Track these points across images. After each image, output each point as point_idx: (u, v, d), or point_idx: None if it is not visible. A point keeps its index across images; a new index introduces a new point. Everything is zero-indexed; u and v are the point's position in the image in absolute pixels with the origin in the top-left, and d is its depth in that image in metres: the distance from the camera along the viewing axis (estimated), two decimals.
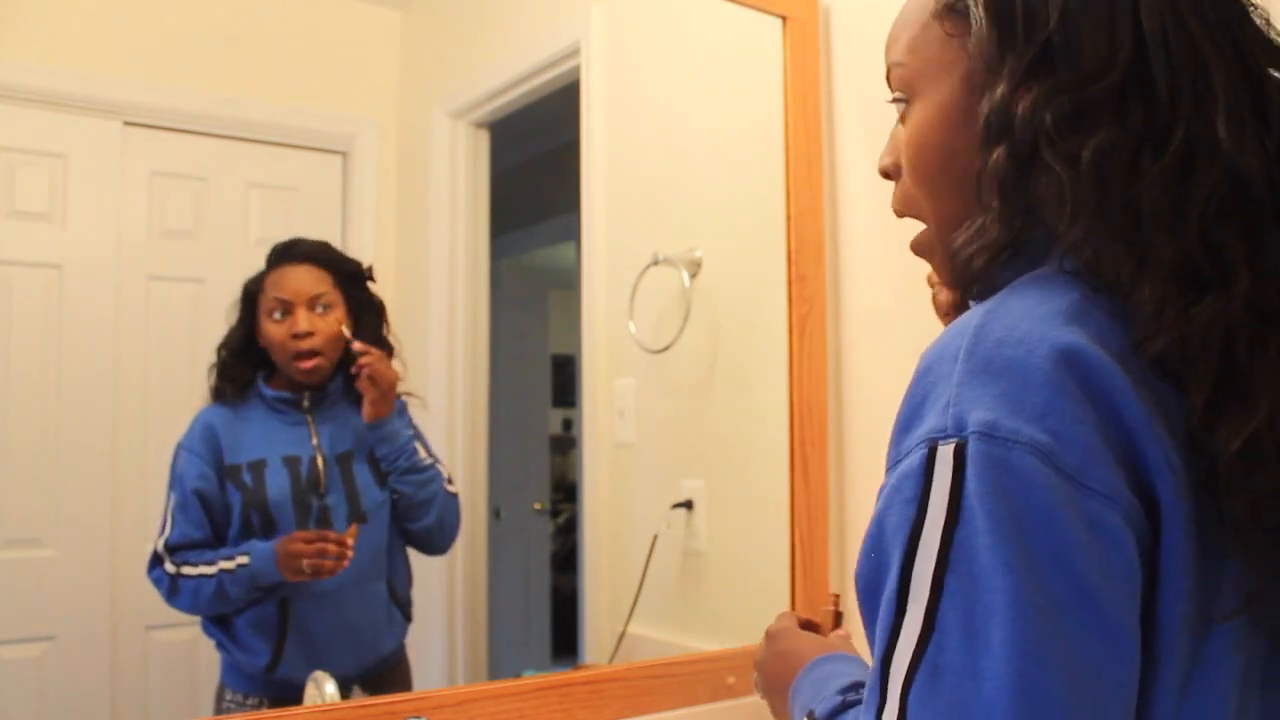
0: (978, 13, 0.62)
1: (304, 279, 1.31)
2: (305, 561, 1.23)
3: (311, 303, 1.30)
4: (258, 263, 1.30)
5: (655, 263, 1.61)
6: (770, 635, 0.89)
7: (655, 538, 1.57)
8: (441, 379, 1.53)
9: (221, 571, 1.21)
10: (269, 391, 1.29)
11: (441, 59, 1.61)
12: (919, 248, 0.73)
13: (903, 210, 0.72)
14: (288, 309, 1.29)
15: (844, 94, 1.60)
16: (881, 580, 0.54)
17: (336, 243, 1.39)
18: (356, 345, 1.31)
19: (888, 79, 0.70)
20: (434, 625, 1.50)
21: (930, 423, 0.53)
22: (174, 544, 1.21)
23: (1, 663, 1.14)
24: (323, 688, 1.16)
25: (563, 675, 1.32)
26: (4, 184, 1.17)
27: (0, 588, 1.15)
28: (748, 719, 1.41)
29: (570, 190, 1.63)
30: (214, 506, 1.24)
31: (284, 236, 1.32)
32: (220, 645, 1.25)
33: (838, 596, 0.99)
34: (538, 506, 1.85)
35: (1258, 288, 0.54)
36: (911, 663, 0.51)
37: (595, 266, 1.63)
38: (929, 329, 1.54)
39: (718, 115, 1.67)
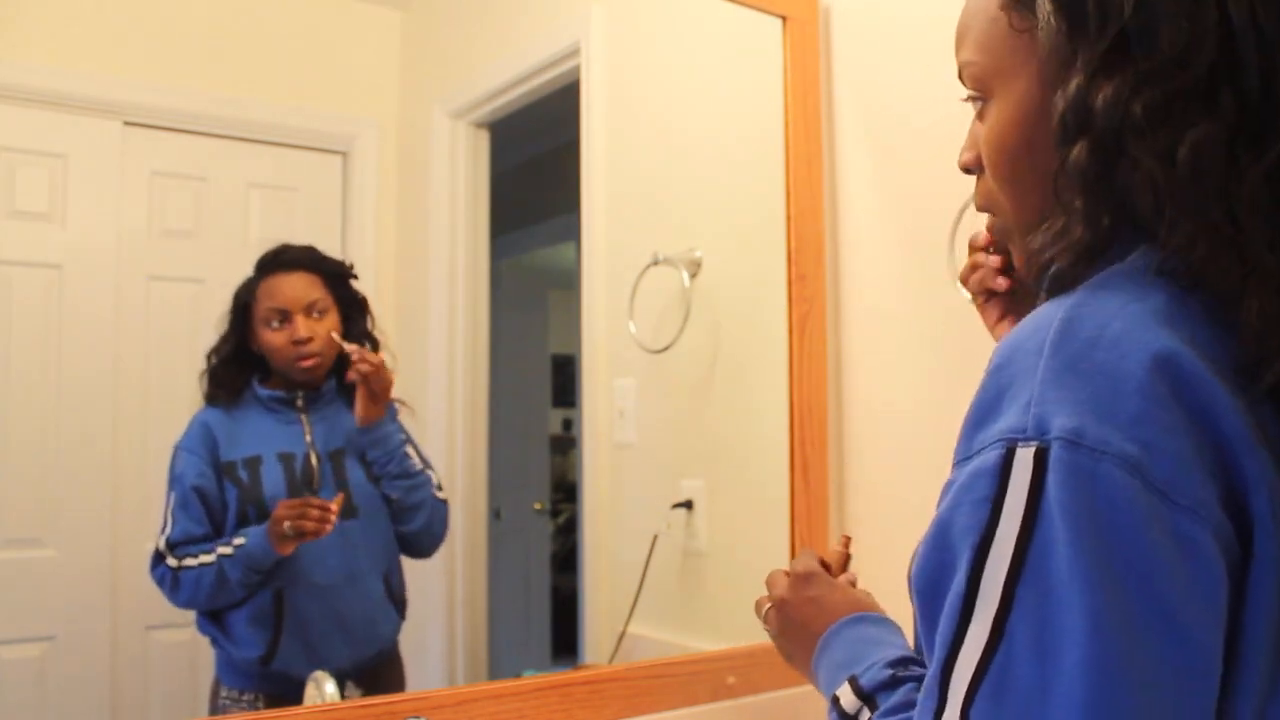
0: (1045, 3, 0.59)
1: (298, 286, 1.32)
2: (286, 523, 1.23)
3: (308, 309, 1.31)
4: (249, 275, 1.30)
5: (655, 263, 1.61)
6: (800, 577, 0.86)
7: (655, 538, 1.57)
8: (441, 379, 1.53)
9: (220, 557, 1.22)
10: (264, 391, 1.30)
11: (441, 59, 1.61)
12: (997, 233, 0.72)
13: (984, 206, 0.70)
14: (285, 317, 1.30)
15: (844, 94, 1.60)
16: (945, 581, 0.52)
17: (336, 243, 1.40)
18: (351, 349, 1.32)
19: (960, 77, 0.68)
20: (434, 625, 1.50)
21: (1008, 420, 0.51)
22: (175, 540, 1.22)
23: (1, 663, 1.14)
24: (323, 687, 1.16)
25: (563, 675, 1.32)
26: (4, 184, 1.17)
27: (0, 588, 1.15)
28: (748, 719, 1.41)
29: (570, 190, 1.63)
30: (213, 503, 1.25)
31: (284, 236, 1.32)
32: (215, 641, 1.25)
33: (848, 539, 0.98)
34: (538, 506, 1.85)
35: None
36: (976, 674, 0.49)
37: (595, 266, 1.63)
38: (929, 329, 1.54)
39: (718, 115, 1.67)
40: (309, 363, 1.31)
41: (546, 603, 1.84)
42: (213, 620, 1.26)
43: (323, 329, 1.32)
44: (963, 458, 0.53)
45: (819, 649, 0.78)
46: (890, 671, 0.69)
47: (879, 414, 1.53)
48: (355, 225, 1.42)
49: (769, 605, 0.89)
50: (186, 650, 1.25)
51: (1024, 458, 0.49)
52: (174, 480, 1.23)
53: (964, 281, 0.85)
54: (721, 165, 1.66)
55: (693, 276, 1.60)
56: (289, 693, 1.20)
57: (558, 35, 1.62)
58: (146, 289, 1.26)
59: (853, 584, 0.90)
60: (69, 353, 1.20)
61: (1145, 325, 0.50)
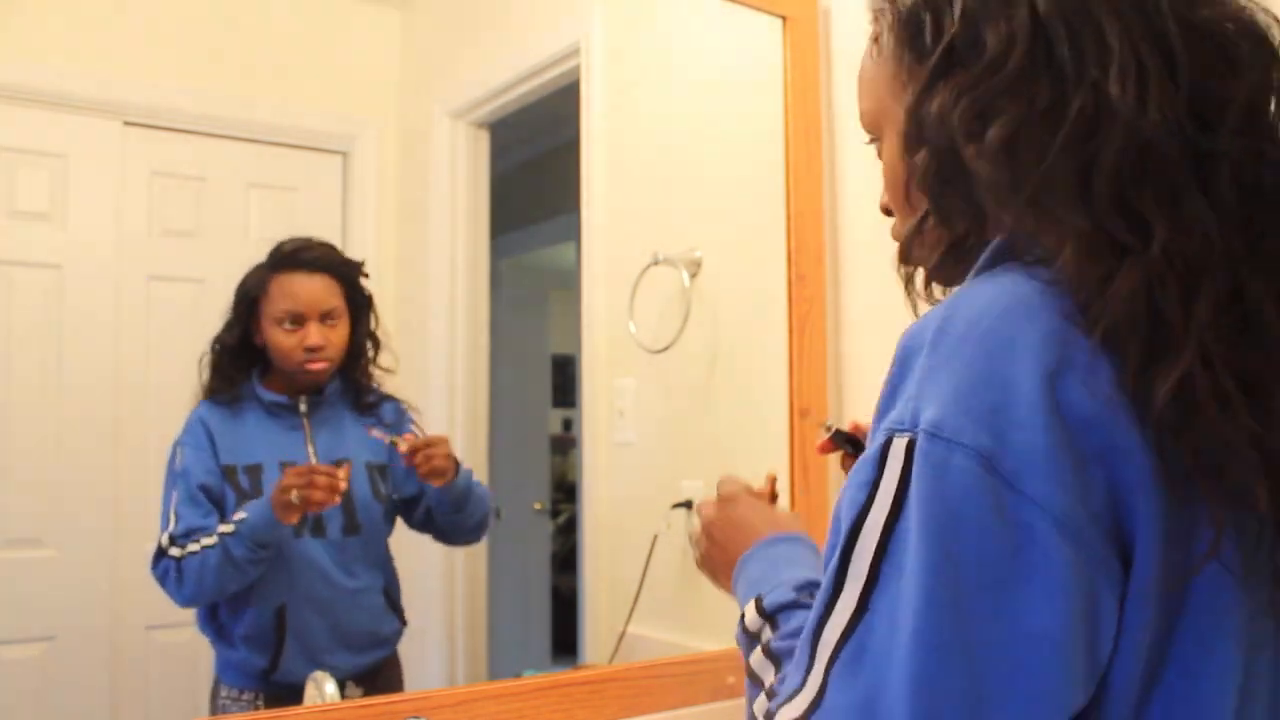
0: (887, 36, 0.66)
1: (317, 291, 1.29)
2: (295, 491, 1.20)
3: (324, 316, 1.29)
4: (258, 262, 1.29)
5: (655, 263, 1.61)
6: (724, 498, 0.88)
7: (655, 538, 1.57)
8: (441, 379, 1.53)
9: (223, 535, 1.20)
10: (266, 394, 1.28)
11: (441, 59, 1.61)
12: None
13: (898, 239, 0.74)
14: (299, 321, 1.27)
15: (844, 94, 1.60)
16: (828, 560, 0.56)
17: (336, 243, 1.39)
18: (407, 441, 1.32)
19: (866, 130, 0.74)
20: (434, 625, 1.50)
21: (895, 413, 0.54)
22: (178, 535, 1.19)
23: (1, 663, 1.14)
24: (323, 688, 1.16)
25: (563, 675, 1.32)
26: (4, 184, 1.17)
27: (0, 588, 1.15)
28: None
29: (570, 190, 1.63)
30: (216, 502, 1.23)
31: (284, 236, 1.31)
32: (215, 641, 1.25)
33: (774, 478, 0.99)
34: (538, 506, 1.86)
35: (1179, 240, 0.52)
36: (840, 639, 0.53)
37: (595, 266, 1.63)
38: None
39: (718, 115, 1.67)
40: (317, 366, 1.29)
41: (546, 603, 1.84)
42: (214, 623, 1.25)
43: (335, 337, 1.30)
44: (869, 445, 0.57)
45: (738, 569, 0.80)
46: (794, 595, 0.71)
47: None
48: (355, 225, 1.42)
49: (698, 533, 0.90)
50: (186, 650, 1.25)
51: (898, 448, 0.53)
52: (178, 476, 1.21)
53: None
54: (721, 165, 1.66)
55: (693, 276, 1.60)
56: (290, 695, 1.19)
57: (558, 35, 1.62)
58: (146, 289, 1.26)
59: None
60: (69, 353, 1.20)
61: (1013, 321, 0.53)
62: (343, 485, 1.23)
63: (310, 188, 1.40)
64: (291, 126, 1.39)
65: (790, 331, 1.54)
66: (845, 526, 0.55)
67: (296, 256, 1.29)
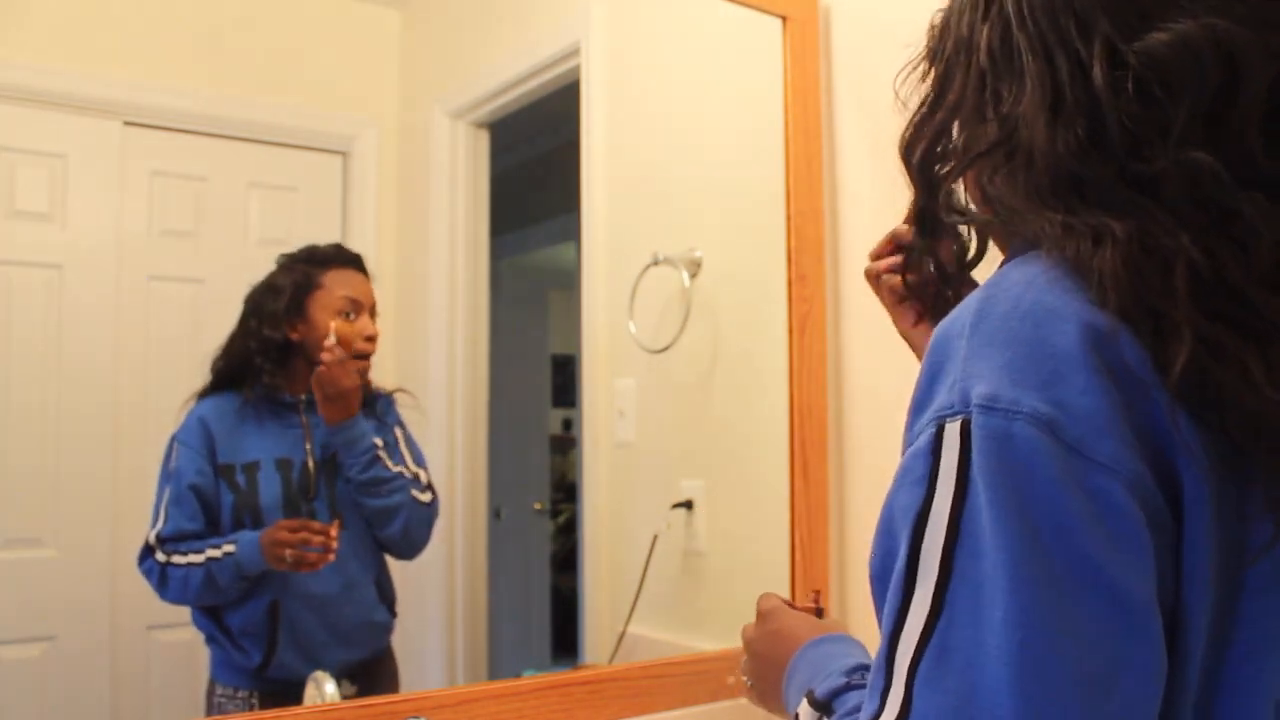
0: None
1: (367, 287, 1.34)
2: (289, 551, 1.23)
3: (372, 310, 1.33)
4: (258, 262, 1.30)
5: (655, 263, 1.61)
6: (763, 614, 0.87)
7: (655, 538, 1.57)
8: (441, 379, 1.53)
9: (209, 560, 1.21)
10: (270, 393, 1.29)
11: (441, 59, 1.61)
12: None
13: None
14: (358, 310, 1.31)
15: (844, 94, 1.60)
16: (889, 565, 0.53)
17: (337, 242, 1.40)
18: (328, 344, 1.29)
19: None
20: (434, 625, 1.50)
21: (939, 401, 0.52)
22: (165, 536, 1.21)
23: (1, 663, 1.14)
24: (323, 688, 1.16)
25: (563, 675, 1.32)
26: (4, 184, 1.17)
27: (0, 588, 1.15)
28: (748, 719, 1.41)
29: (570, 190, 1.63)
30: (209, 501, 1.24)
31: (284, 236, 1.32)
32: (210, 639, 1.25)
33: (819, 593, 0.99)
34: (538, 506, 1.85)
35: (1135, 226, 0.53)
36: (920, 642, 0.50)
37: (595, 266, 1.63)
38: (929, 328, 1.53)
39: (718, 115, 1.67)
40: (364, 364, 1.31)
41: (546, 603, 1.84)
42: (210, 621, 1.25)
43: (376, 330, 1.34)
44: (907, 445, 0.55)
45: (786, 679, 0.77)
46: (845, 679, 0.69)
47: (879, 414, 1.53)
48: (355, 225, 1.42)
49: (743, 658, 0.89)
50: (186, 650, 1.25)
51: (952, 432, 0.51)
52: (170, 475, 1.22)
53: (870, 279, 0.92)
54: (721, 165, 1.66)
55: (693, 276, 1.60)
56: (285, 692, 1.20)
57: (558, 35, 1.62)
58: (146, 289, 1.26)
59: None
60: (69, 353, 1.20)
61: (1055, 293, 0.52)
62: (335, 544, 1.26)
63: (310, 188, 1.40)
64: (291, 126, 1.39)
65: (790, 331, 1.54)
66: (906, 528, 0.52)
67: (344, 254, 1.34)
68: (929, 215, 0.69)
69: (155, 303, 1.26)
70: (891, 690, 0.50)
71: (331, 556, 1.25)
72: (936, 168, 0.65)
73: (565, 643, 1.79)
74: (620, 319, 1.63)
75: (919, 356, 0.87)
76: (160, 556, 1.20)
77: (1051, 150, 0.55)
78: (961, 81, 0.62)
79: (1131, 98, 0.54)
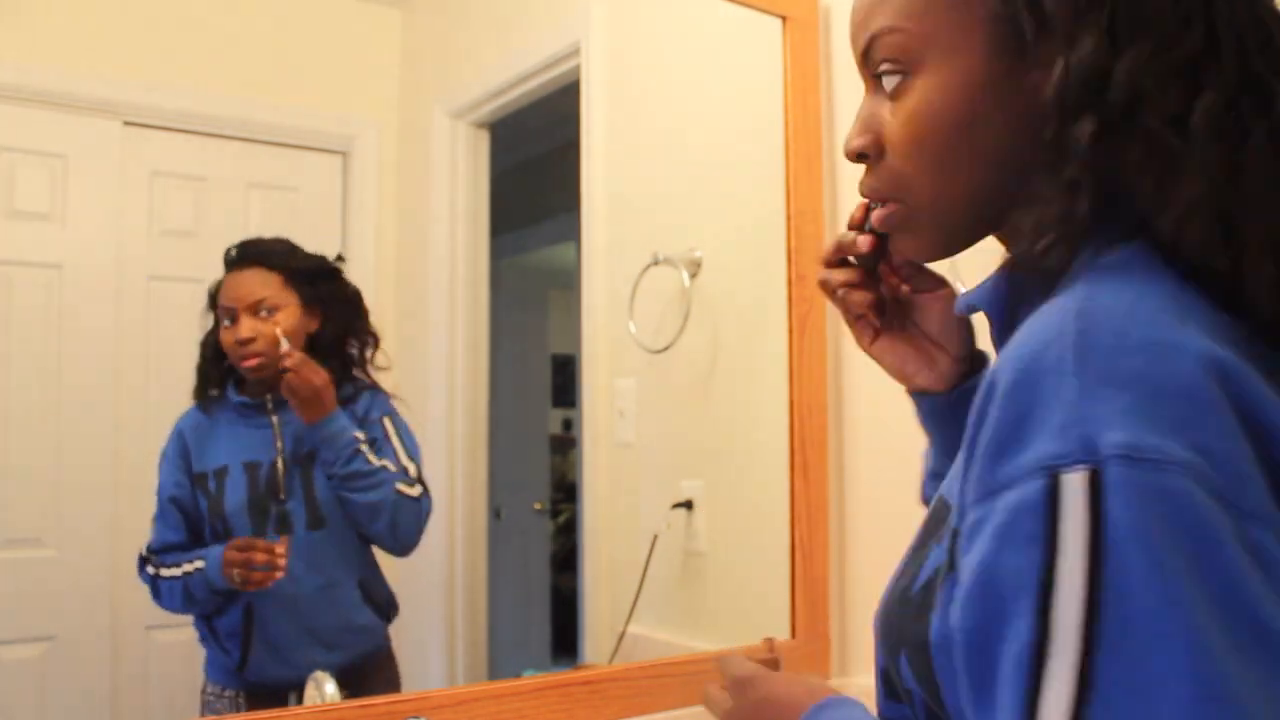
0: None
1: (246, 284, 1.29)
2: (236, 571, 1.23)
3: (254, 308, 1.28)
4: None
5: (655, 263, 1.61)
6: (739, 682, 0.78)
7: (655, 538, 1.57)
8: (441, 379, 1.53)
9: (185, 574, 1.23)
10: (235, 397, 1.29)
11: (441, 59, 1.61)
12: (893, 223, 0.65)
13: (884, 193, 0.65)
14: (233, 315, 1.28)
15: (844, 94, 1.60)
16: (998, 634, 0.46)
17: (336, 243, 1.39)
18: (284, 349, 1.27)
19: (868, 49, 0.63)
20: (434, 625, 1.50)
21: (1043, 447, 0.45)
22: (154, 548, 1.23)
23: (1, 663, 1.14)
24: (323, 688, 1.16)
25: (563, 675, 1.32)
26: (4, 184, 1.17)
27: (0, 588, 1.15)
28: None
29: (570, 190, 1.63)
30: (189, 512, 1.25)
31: (284, 236, 1.32)
32: (203, 639, 1.27)
33: (771, 641, 0.94)
34: (538, 506, 1.85)
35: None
36: None
37: (595, 266, 1.63)
38: None
39: (718, 115, 1.67)
40: (251, 363, 1.28)
41: (546, 603, 1.84)
42: (201, 622, 1.27)
43: (267, 330, 1.27)
44: (985, 494, 0.47)
45: None
46: None
47: (879, 414, 1.53)
48: (355, 225, 1.42)
49: None
50: (186, 650, 1.25)
51: (1074, 484, 0.44)
52: (156, 489, 1.24)
53: (829, 293, 0.80)
54: (721, 165, 1.66)
55: (693, 276, 1.60)
56: (262, 692, 1.23)
57: (558, 35, 1.62)
58: (146, 289, 1.26)
59: None
60: (69, 353, 1.20)
61: (1166, 323, 0.47)
62: (282, 562, 1.24)
63: (310, 188, 1.40)
64: (291, 126, 1.39)
65: (790, 331, 1.54)
66: (1027, 594, 0.45)
67: (228, 256, 1.29)
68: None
69: (155, 303, 1.26)
70: None
71: (278, 574, 1.24)
72: (1151, 101, 0.53)
73: (565, 643, 1.79)
74: (620, 319, 1.63)
75: (890, 374, 0.82)
76: (151, 569, 1.23)
77: (1246, 62, 0.50)
78: (1168, 5, 0.53)
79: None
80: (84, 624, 1.20)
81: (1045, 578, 0.44)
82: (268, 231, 1.32)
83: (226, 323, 1.28)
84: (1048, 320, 0.49)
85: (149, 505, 1.23)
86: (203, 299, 1.28)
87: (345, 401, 1.33)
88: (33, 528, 1.18)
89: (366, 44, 1.48)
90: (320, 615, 1.31)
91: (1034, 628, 0.44)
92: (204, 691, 1.26)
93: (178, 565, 1.23)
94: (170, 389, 1.26)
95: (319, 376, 1.28)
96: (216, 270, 1.30)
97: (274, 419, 1.29)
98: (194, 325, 1.28)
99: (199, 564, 1.23)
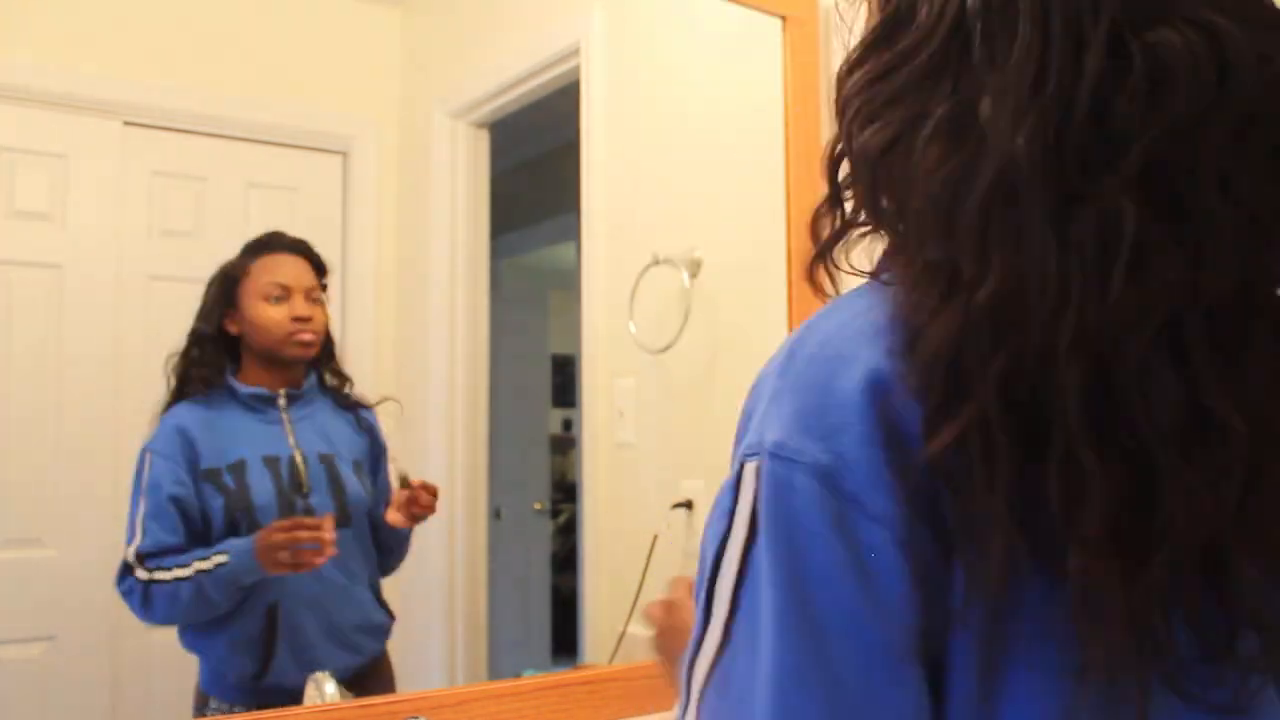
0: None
1: (301, 269, 1.31)
2: (284, 553, 1.20)
3: (308, 292, 1.30)
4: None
5: (655, 263, 1.61)
6: (668, 605, 0.84)
7: (655, 538, 1.57)
8: (441, 379, 1.53)
9: (199, 573, 1.18)
10: (243, 389, 1.26)
11: (441, 59, 1.61)
12: None
13: None
14: (286, 293, 1.28)
15: None
16: (697, 592, 0.55)
17: (337, 242, 1.39)
18: (415, 484, 1.33)
19: None
20: (434, 625, 1.50)
21: (748, 439, 0.53)
22: (145, 551, 1.17)
23: (1, 663, 1.14)
24: (323, 688, 1.16)
25: (563, 675, 1.32)
26: (4, 184, 1.17)
27: (0, 588, 1.15)
28: None
29: (570, 190, 1.63)
30: (191, 513, 1.20)
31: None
32: (202, 655, 1.23)
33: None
34: (538, 506, 1.85)
35: (1009, 285, 0.48)
36: (710, 669, 0.52)
37: (595, 266, 1.63)
38: None
39: (718, 115, 1.67)
40: (307, 337, 1.29)
41: (546, 603, 1.84)
42: (200, 636, 1.22)
43: (320, 314, 1.31)
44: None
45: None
46: None
47: None
48: (355, 225, 1.42)
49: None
50: (186, 650, 1.25)
51: (750, 471, 0.52)
52: (146, 488, 1.18)
53: None
54: (721, 165, 1.66)
55: (693, 276, 1.60)
56: (280, 700, 1.18)
57: (558, 35, 1.62)
58: (146, 289, 1.26)
59: None
60: (69, 353, 1.20)
61: (859, 342, 0.52)
62: (330, 537, 1.23)
63: (310, 188, 1.40)
64: (291, 126, 1.39)
65: (790, 331, 1.54)
66: (710, 556, 0.54)
67: (277, 239, 1.30)
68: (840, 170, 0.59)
69: (155, 303, 1.26)
70: (688, 709, 0.54)
71: (331, 550, 1.23)
72: (856, 122, 0.56)
73: (565, 643, 1.79)
74: (620, 319, 1.63)
75: None
76: (142, 574, 1.16)
77: (1008, 150, 0.48)
78: (932, 17, 0.53)
79: (1124, 98, 0.48)
80: (84, 624, 1.20)
81: (720, 547, 0.53)
82: (268, 231, 1.32)
83: (275, 299, 1.27)
84: (788, 337, 0.56)
85: None
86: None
87: (351, 404, 1.34)
88: (33, 528, 1.18)
89: (366, 44, 1.48)
90: (343, 614, 1.29)
91: (706, 586, 0.53)
92: (204, 706, 1.21)
93: (184, 565, 1.17)
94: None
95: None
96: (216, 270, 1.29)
97: (286, 415, 1.29)
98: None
99: (220, 559, 1.18)
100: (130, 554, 1.17)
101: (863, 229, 0.59)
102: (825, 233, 0.61)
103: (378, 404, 1.36)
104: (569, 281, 1.72)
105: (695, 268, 1.60)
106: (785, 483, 0.50)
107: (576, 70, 1.60)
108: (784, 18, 1.58)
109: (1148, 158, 0.48)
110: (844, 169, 0.60)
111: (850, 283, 0.61)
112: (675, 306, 1.60)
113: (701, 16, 1.64)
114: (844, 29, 0.63)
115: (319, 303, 1.31)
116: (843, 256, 0.61)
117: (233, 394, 1.26)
